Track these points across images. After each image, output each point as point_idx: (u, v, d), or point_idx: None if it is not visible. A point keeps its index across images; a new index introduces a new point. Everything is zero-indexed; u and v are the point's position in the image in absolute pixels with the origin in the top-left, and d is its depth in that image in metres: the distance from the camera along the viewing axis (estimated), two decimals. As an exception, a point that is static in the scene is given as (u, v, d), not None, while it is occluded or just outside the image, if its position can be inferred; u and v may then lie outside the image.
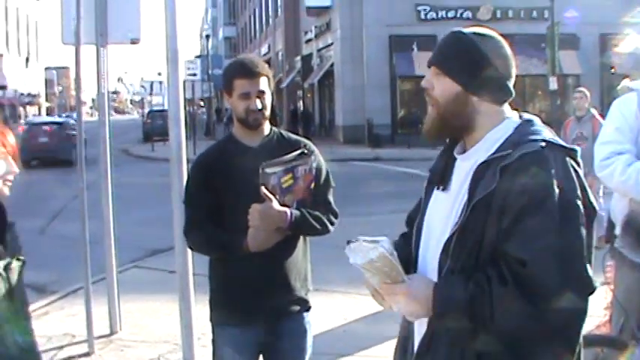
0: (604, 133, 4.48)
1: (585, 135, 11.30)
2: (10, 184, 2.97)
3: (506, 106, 2.51)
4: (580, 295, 2.25)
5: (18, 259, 3.03)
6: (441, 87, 2.47)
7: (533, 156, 2.29)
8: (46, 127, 30.41)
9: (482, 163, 2.36)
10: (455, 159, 2.54)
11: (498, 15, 36.82)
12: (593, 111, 11.60)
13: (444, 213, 2.48)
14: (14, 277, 2.97)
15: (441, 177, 2.55)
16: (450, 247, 2.35)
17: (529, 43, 33.37)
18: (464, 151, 2.51)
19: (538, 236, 2.22)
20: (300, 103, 51.07)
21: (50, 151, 29.14)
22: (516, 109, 2.56)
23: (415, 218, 2.67)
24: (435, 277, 2.40)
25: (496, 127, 2.45)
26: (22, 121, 50.13)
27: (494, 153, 2.37)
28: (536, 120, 2.49)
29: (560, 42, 29.51)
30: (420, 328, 2.53)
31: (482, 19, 35.36)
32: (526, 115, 2.52)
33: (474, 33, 2.49)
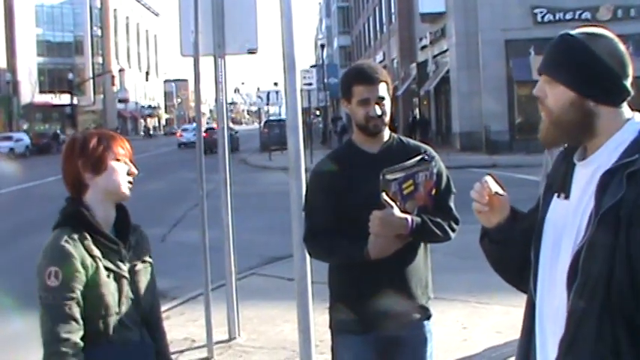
0: None
1: None
2: (130, 185, 3.05)
3: (625, 107, 2.35)
4: None
5: (144, 262, 3.09)
6: (554, 95, 2.35)
7: None
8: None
9: (607, 171, 2.23)
10: (574, 165, 2.42)
11: (619, 14, 35.61)
12: None
13: (566, 222, 2.37)
14: (140, 279, 3.03)
15: (561, 184, 2.44)
16: (579, 261, 2.23)
17: (653, 43, 32.18)
18: (584, 157, 2.39)
19: None
20: (417, 111, 50.80)
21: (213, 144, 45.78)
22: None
23: (530, 221, 2.56)
24: (564, 292, 2.29)
25: (618, 132, 2.31)
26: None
27: (618, 159, 2.23)
28: None
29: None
30: (542, 339, 2.43)
31: (601, 19, 34.31)
32: None
33: (583, 33, 2.34)
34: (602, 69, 2.28)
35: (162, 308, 8.66)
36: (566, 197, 2.40)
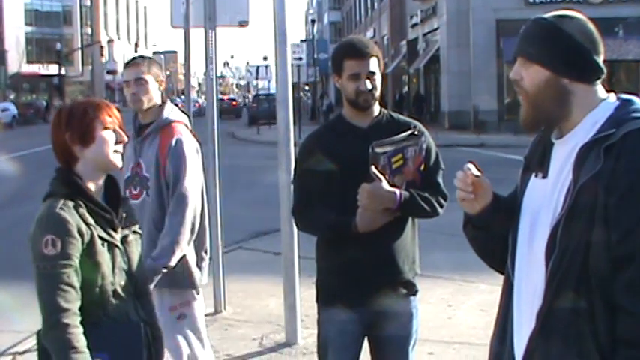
0: None
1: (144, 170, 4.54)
2: (120, 154, 3.02)
3: (599, 87, 2.44)
4: None
5: (134, 232, 3.07)
6: (529, 75, 2.43)
7: (638, 134, 2.24)
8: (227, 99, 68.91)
9: (585, 145, 2.30)
10: (552, 145, 2.48)
11: (611, -3, 35.52)
12: (173, 112, 4.70)
13: (545, 200, 2.42)
14: (132, 250, 3.02)
15: (539, 164, 2.50)
16: (558, 233, 2.30)
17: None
18: (561, 136, 2.45)
19: None
20: (406, 88, 50.69)
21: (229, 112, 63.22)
22: (633, 93, 2.47)
23: (512, 204, 2.60)
24: (542, 268, 2.35)
25: (594, 110, 2.39)
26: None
27: (595, 134, 2.31)
28: (636, 99, 2.41)
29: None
30: (519, 316, 2.50)
31: (593, 2, 34.14)
32: (624, 95, 2.45)
33: (555, 16, 2.44)
34: (573, 46, 2.38)
35: (148, 280, 8.70)
36: (544, 177, 2.47)
